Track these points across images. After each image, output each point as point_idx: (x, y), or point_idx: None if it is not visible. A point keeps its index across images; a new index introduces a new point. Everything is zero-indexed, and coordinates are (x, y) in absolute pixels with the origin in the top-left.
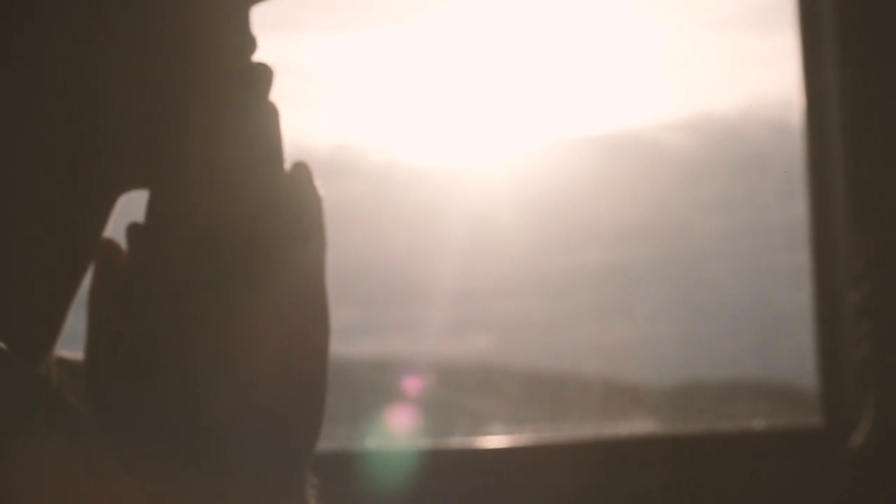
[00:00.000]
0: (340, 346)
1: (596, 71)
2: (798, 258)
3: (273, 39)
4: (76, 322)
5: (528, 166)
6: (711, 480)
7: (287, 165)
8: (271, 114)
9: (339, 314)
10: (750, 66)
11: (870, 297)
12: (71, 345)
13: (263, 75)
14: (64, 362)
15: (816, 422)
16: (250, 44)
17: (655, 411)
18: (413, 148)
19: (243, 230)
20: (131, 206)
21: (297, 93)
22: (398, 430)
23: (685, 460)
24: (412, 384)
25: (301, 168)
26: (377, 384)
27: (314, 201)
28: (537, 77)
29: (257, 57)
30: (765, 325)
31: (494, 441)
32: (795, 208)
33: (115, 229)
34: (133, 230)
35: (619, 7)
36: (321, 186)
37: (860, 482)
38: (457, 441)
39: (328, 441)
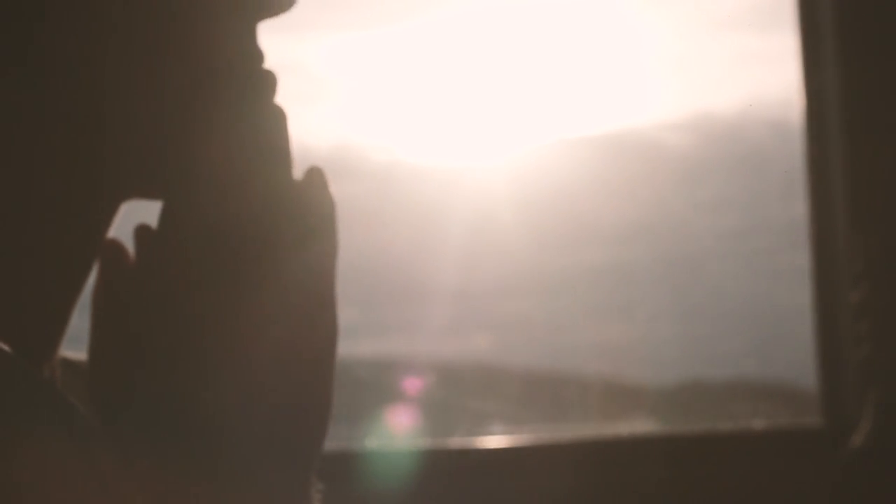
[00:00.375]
0: (341, 346)
1: (596, 71)
2: (798, 258)
3: (275, 38)
4: (78, 323)
5: (528, 166)
6: (711, 480)
7: (296, 168)
8: (278, 117)
9: (340, 314)
10: (750, 66)
11: (870, 297)
12: (73, 345)
13: (267, 80)
14: (67, 363)
15: (816, 422)
16: (257, 53)
17: (655, 411)
18: (413, 148)
19: (251, 231)
20: (134, 211)
21: (299, 92)
22: (398, 430)
23: (685, 460)
24: (412, 384)
25: (315, 172)
26: (377, 384)
27: (326, 205)
28: (537, 77)
29: (263, 65)
30: (765, 325)
31: (494, 441)
32: (795, 208)
33: (121, 232)
34: (141, 232)
35: (619, 7)
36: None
37: (860, 482)
38: (457, 441)
39: (328, 441)
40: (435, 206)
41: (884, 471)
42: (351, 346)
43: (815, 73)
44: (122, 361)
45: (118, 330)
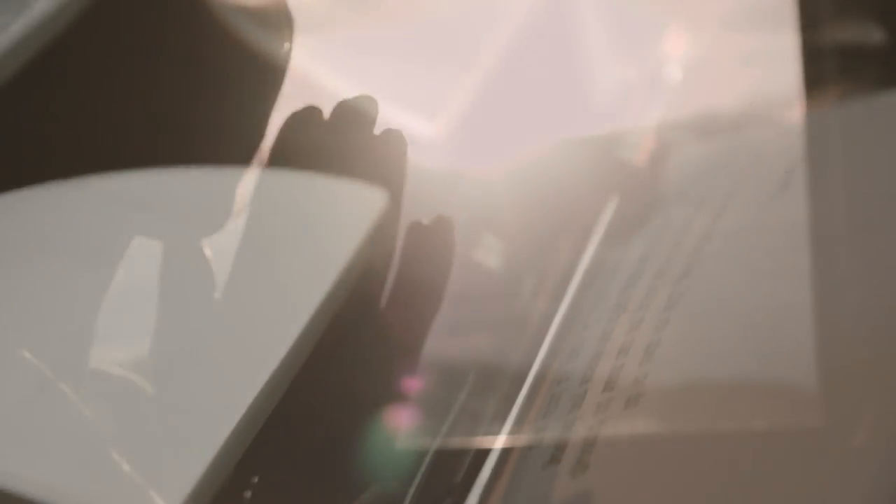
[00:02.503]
0: None
1: (596, 70)
2: (798, 257)
3: None
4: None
5: (528, 166)
6: (711, 480)
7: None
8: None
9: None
10: (750, 66)
11: (870, 296)
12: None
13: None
14: None
15: (816, 422)
16: None
17: (655, 411)
18: (413, 148)
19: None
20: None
21: (298, 91)
22: (398, 430)
23: (685, 460)
24: (412, 384)
25: (444, 222)
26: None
27: (442, 259)
28: (537, 77)
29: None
30: (765, 325)
31: (494, 441)
32: (795, 208)
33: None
34: None
35: (619, 7)
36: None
37: (860, 482)
38: (457, 441)
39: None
40: (435, 206)
41: (883, 471)
42: None
43: (814, 72)
44: None
45: None
